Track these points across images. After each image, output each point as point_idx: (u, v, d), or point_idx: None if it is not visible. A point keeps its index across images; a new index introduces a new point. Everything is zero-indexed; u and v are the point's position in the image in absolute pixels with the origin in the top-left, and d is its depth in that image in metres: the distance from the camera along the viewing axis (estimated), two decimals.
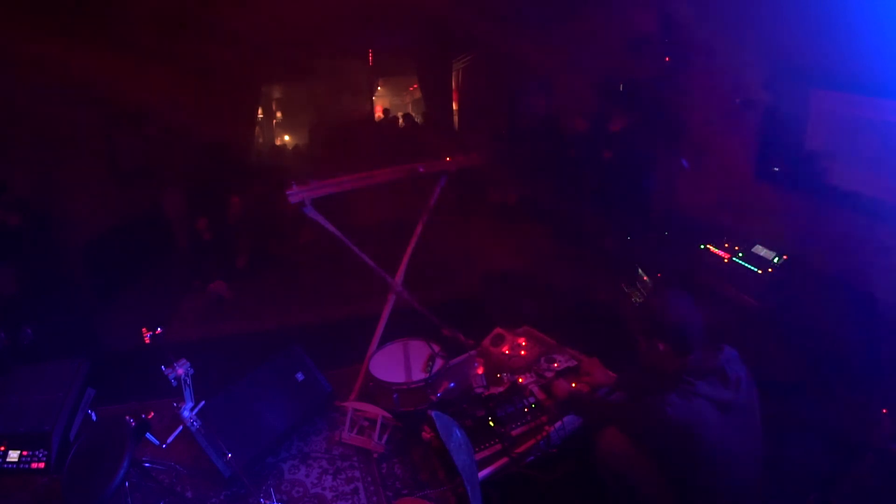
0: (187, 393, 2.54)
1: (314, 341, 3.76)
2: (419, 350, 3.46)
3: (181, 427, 2.63)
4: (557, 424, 2.68)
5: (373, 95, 12.44)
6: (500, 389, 3.04)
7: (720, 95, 3.95)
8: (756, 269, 3.19)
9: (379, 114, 11.73)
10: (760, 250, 3.29)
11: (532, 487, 2.60)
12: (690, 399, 1.97)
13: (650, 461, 2.18)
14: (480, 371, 3.27)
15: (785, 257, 3.17)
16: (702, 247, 3.54)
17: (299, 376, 3.32)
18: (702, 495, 2.06)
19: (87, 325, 4.55)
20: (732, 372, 2.03)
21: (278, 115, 14.89)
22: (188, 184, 6.85)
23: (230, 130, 8.81)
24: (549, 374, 3.05)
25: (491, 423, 2.74)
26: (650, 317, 2.21)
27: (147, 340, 2.38)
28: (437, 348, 3.41)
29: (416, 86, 12.96)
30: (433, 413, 2.33)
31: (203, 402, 2.63)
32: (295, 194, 3.00)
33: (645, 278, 3.84)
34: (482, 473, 2.50)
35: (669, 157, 4.54)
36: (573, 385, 2.86)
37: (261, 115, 12.45)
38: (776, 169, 3.56)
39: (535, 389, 2.97)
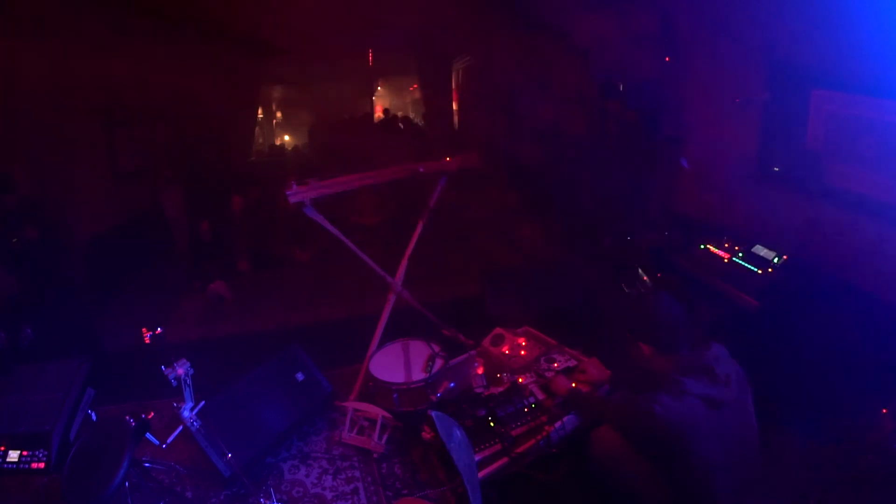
0: (187, 393, 2.54)
1: (314, 341, 3.76)
2: (419, 350, 3.46)
3: (181, 427, 2.63)
4: (557, 424, 2.68)
5: (373, 95, 12.44)
6: (500, 389, 3.04)
7: (720, 95, 3.94)
8: (756, 269, 3.19)
9: (379, 114, 11.73)
10: (760, 250, 3.29)
11: (532, 487, 2.60)
12: (680, 398, 1.98)
13: (644, 460, 2.18)
14: (480, 371, 3.27)
15: (785, 257, 3.17)
16: (702, 247, 3.54)
17: (299, 376, 3.32)
18: (697, 493, 2.07)
19: (87, 325, 4.55)
20: (721, 369, 2.04)
21: (278, 115, 14.91)
22: (188, 184, 6.86)
23: (230, 130, 8.83)
24: (549, 374, 3.05)
25: (491, 423, 2.74)
26: (634, 321, 2.23)
27: (147, 340, 2.39)
28: (437, 348, 3.41)
29: (416, 86, 12.97)
30: (433, 413, 2.34)
31: (203, 402, 2.64)
32: (295, 194, 3.00)
33: (645, 278, 3.84)
34: (482, 473, 2.50)
35: (669, 156, 4.54)
36: (573, 385, 2.87)
37: (261, 115, 12.46)
38: (776, 169, 3.56)
39: (535, 389, 2.97)
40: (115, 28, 5.05)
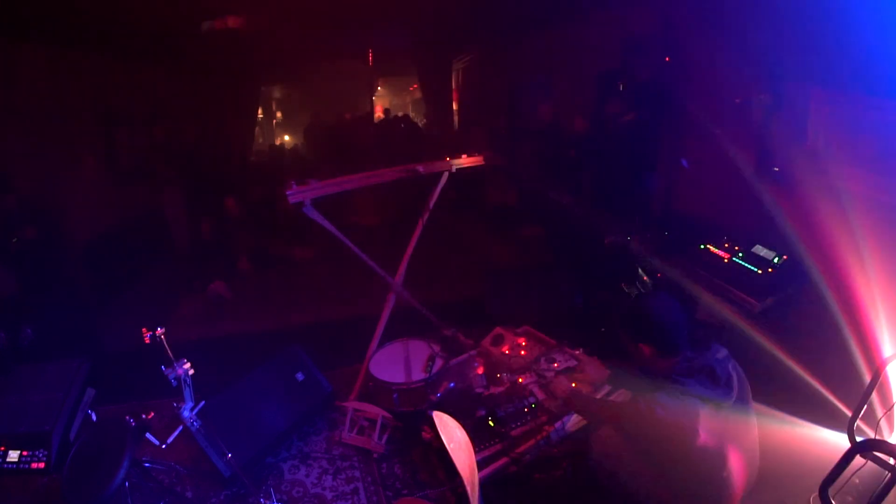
0: (187, 393, 2.53)
1: (314, 341, 3.75)
2: (419, 350, 3.46)
3: (181, 427, 2.63)
4: (557, 424, 2.68)
5: (373, 95, 12.44)
6: (500, 389, 3.04)
7: (720, 95, 3.94)
8: (756, 269, 3.19)
9: (379, 114, 11.74)
10: (760, 250, 3.29)
11: (532, 487, 2.60)
12: (681, 399, 1.97)
13: (644, 460, 2.18)
14: (480, 371, 3.27)
15: (785, 257, 3.17)
16: (702, 247, 3.54)
17: (299, 376, 3.32)
18: (697, 494, 2.06)
19: (87, 325, 4.55)
20: (722, 370, 2.04)
21: (278, 115, 14.91)
22: (188, 184, 6.85)
23: (230, 131, 8.84)
24: (549, 374, 3.05)
25: (491, 423, 2.74)
26: (633, 322, 2.22)
27: (147, 340, 2.38)
28: (437, 348, 3.41)
29: (416, 86, 12.97)
30: (433, 413, 2.34)
31: (203, 402, 2.63)
32: (295, 194, 2.99)
33: (645, 278, 3.84)
34: (482, 473, 2.50)
35: (670, 156, 4.54)
36: (573, 385, 2.87)
37: (261, 115, 12.46)
38: (776, 169, 3.56)
39: (535, 389, 2.97)
40: (115, 30, 5.06)
